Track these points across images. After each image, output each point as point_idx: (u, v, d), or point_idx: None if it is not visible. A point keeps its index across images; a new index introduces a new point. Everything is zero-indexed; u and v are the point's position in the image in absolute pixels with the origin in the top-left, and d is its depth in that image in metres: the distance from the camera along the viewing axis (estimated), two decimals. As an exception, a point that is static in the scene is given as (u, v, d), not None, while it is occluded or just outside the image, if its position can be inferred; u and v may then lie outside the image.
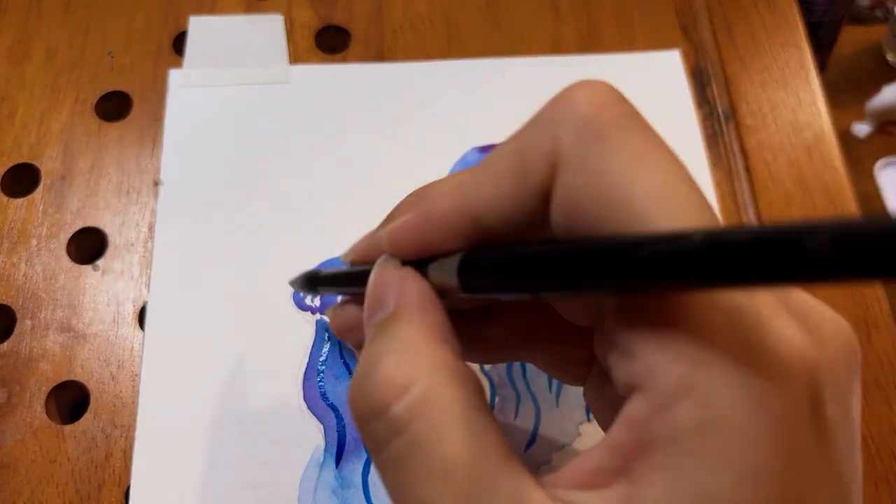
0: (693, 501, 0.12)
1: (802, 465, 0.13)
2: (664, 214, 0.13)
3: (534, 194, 0.15)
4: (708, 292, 0.13)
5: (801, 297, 0.15)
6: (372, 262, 0.19)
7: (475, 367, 0.29)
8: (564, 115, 0.15)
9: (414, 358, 0.15)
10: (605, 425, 0.19)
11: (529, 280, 0.15)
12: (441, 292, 0.17)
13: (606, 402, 0.19)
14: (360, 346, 0.21)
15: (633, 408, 0.14)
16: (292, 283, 0.27)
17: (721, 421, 0.12)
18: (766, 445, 0.12)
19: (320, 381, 0.29)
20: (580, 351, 0.20)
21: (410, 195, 0.18)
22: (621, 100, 0.15)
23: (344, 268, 0.22)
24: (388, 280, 0.17)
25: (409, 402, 0.14)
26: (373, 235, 0.19)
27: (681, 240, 0.12)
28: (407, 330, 0.16)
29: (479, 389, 0.15)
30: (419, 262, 0.18)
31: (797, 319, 0.14)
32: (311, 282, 0.25)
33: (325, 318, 0.30)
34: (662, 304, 0.14)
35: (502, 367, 0.29)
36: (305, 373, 0.29)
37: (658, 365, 0.13)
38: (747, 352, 0.13)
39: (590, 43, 0.37)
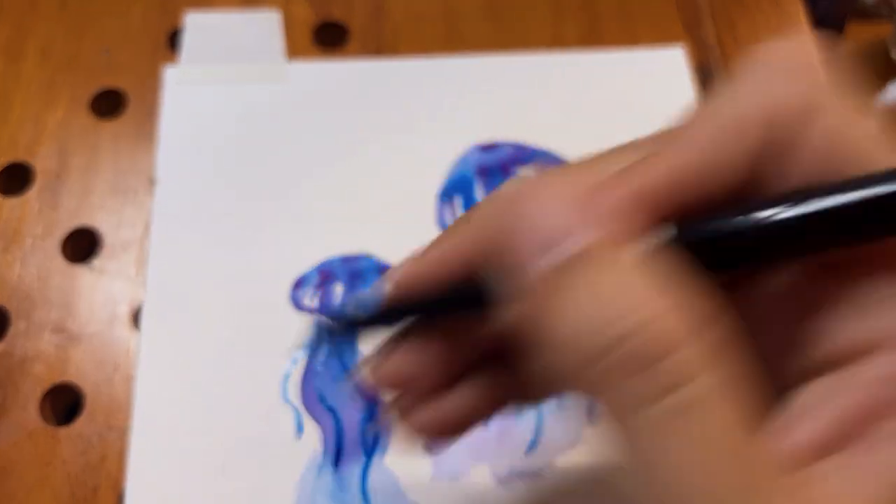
0: None
1: None
2: None
3: (757, 142, 0.14)
4: None
5: None
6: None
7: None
8: (793, 59, 0.14)
9: (690, 298, 0.13)
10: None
11: (769, 249, 0.13)
12: None
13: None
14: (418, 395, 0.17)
15: (873, 368, 0.13)
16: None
17: None
18: None
19: (318, 383, 0.28)
20: None
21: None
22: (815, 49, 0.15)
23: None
24: (553, 209, 0.13)
25: (692, 354, 0.12)
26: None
27: None
28: (642, 269, 0.13)
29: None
30: None
31: None
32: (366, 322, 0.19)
33: (325, 319, 0.29)
34: None
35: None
36: (303, 375, 0.28)
37: None
38: None
39: (592, 39, 0.36)
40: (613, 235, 0.13)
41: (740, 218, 0.14)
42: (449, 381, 0.17)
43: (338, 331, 0.19)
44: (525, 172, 0.15)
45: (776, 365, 0.15)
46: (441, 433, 0.18)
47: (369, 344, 0.18)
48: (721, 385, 0.12)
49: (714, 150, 0.14)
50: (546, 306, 0.13)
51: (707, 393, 0.12)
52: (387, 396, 0.18)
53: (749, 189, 0.14)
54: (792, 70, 0.14)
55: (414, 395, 0.17)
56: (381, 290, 0.17)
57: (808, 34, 0.15)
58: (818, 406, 0.14)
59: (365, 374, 0.18)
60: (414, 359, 0.17)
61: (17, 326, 0.29)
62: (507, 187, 0.15)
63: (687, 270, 0.13)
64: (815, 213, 0.13)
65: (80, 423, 0.28)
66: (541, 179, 0.14)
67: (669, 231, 0.14)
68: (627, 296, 0.12)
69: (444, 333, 0.17)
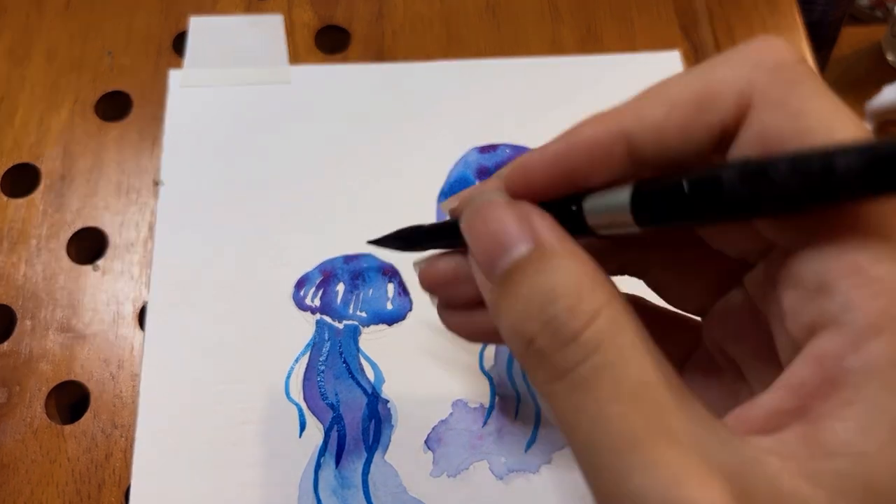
0: (891, 432, 0.13)
1: None
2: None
3: (711, 127, 0.15)
4: None
5: None
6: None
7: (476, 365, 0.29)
8: (760, 57, 0.15)
9: (594, 287, 0.15)
10: (726, 362, 0.19)
11: (724, 207, 0.14)
12: (599, 229, 0.16)
13: (737, 339, 0.18)
14: (450, 303, 0.21)
15: (823, 344, 0.14)
16: (376, 242, 0.25)
17: None
18: None
19: (320, 381, 0.29)
20: (705, 280, 0.19)
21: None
22: (804, 57, 0.16)
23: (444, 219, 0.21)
24: (510, 218, 0.16)
25: (599, 327, 0.14)
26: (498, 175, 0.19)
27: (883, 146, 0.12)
28: (569, 264, 0.15)
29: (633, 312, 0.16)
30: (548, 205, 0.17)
31: None
32: (409, 239, 0.23)
33: (326, 319, 0.30)
34: (857, 243, 0.14)
35: (502, 367, 0.29)
36: (306, 373, 0.29)
37: (856, 300, 0.13)
38: None
39: (590, 43, 0.37)
40: (539, 243, 0.16)
41: (690, 175, 0.15)
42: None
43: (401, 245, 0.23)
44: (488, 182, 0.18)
45: (776, 350, 0.16)
46: (469, 337, 0.21)
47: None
48: (623, 349, 0.14)
49: (667, 113, 0.16)
50: (499, 307, 0.16)
51: (610, 358, 0.14)
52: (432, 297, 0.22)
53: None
54: (746, 61, 0.15)
55: (451, 298, 0.21)
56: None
57: (786, 42, 0.15)
58: (777, 383, 0.14)
59: (417, 268, 0.22)
60: (451, 267, 0.21)
61: (23, 325, 0.30)
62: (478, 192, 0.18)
63: (595, 263, 0.16)
64: (755, 172, 0.14)
65: (86, 421, 0.28)
66: (494, 191, 0.18)
67: (628, 187, 0.16)
68: (549, 293, 0.15)
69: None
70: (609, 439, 0.14)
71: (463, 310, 0.21)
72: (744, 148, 0.15)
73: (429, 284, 0.21)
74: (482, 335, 0.21)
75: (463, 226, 0.17)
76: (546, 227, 0.16)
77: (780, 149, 0.14)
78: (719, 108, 0.15)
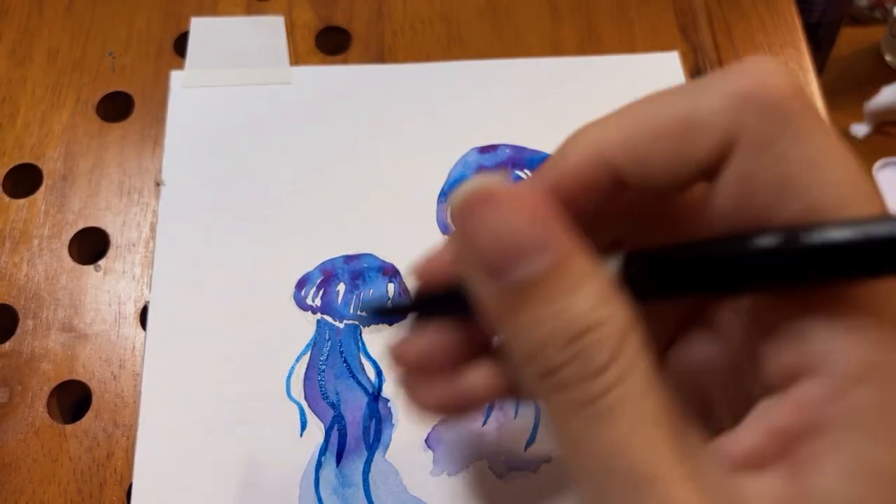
0: (872, 480, 0.13)
1: None
2: (848, 206, 0.14)
3: (694, 163, 0.15)
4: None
5: None
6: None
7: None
8: (748, 92, 0.14)
9: (617, 314, 0.14)
10: (687, 384, 0.18)
11: (714, 281, 0.14)
12: None
13: (704, 367, 0.18)
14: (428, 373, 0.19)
15: (805, 391, 0.14)
16: (366, 312, 0.25)
17: None
18: None
19: (321, 380, 0.29)
20: (663, 325, 0.19)
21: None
22: (801, 87, 0.15)
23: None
24: (524, 218, 0.14)
25: (625, 359, 0.14)
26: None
27: (873, 224, 0.12)
28: (594, 285, 0.14)
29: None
30: None
31: None
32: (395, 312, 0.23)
33: (326, 318, 0.30)
34: (841, 289, 0.14)
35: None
36: (306, 372, 0.29)
37: (838, 349, 0.13)
38: None
39: (589, 44, 0.37)
40: (561, 256, 0.14)
41: (683, 250, 0.15)
42: (455, 365, 0.18)
43: (370, 320, 0.23)
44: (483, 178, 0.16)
45: (745, 382, 0.16)
46: (441, 411, 0.19)
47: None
48: (643, 381, 0.14)
49: (652, 143, 0.15)
50: (510, 322, 0.15)
51: (632, 391, 0.14)
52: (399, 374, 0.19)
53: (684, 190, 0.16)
54: (734, 95, 0.15)
55: (423, 373, 0.19)
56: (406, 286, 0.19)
57: (783, 67, 0.15)
58: (758, 422, 0.14)
59: (387, 352, 0.19)
60: (425, 342, 0.18)
61: (24, 325, 0.30)
62: (475, 190, 0.15)
63: (619, 290, 0.15)
64: (745, 255, 0.14)
65: (87, 421, 0.28)
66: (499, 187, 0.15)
67: (617, 259, 0.15)
68: (577, 321, 0.14)
69: (450, 323, 0.18)
70: (622, 473, 0.13)
71: (443, 376, 0.18)
72: (725, 186, 0.15)
73: (408, 364, 0.19)
74: (468, 404, 0.18)
75: (458, 219, 0.15)
76: (565, 234, 0.14)
77: (757, 194, 0.14)
78: (703, 143, 0.15)
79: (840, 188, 0.14)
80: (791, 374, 0.14)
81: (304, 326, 0.30)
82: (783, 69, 0.15)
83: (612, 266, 0.15)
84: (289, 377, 0.29)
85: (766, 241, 0.14)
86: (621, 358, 0.14)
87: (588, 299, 0.14)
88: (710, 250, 0.14)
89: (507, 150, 0.34)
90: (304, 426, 0.28)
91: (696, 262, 0.14)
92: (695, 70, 0.36)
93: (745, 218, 0.15)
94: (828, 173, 0.14)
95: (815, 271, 0.13)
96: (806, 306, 0.14)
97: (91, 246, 0.32)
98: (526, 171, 0.33)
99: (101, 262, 0.31)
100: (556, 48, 0.37)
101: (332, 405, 0.28)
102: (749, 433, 0.14)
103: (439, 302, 0.18)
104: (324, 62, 0.36)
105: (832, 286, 0.14)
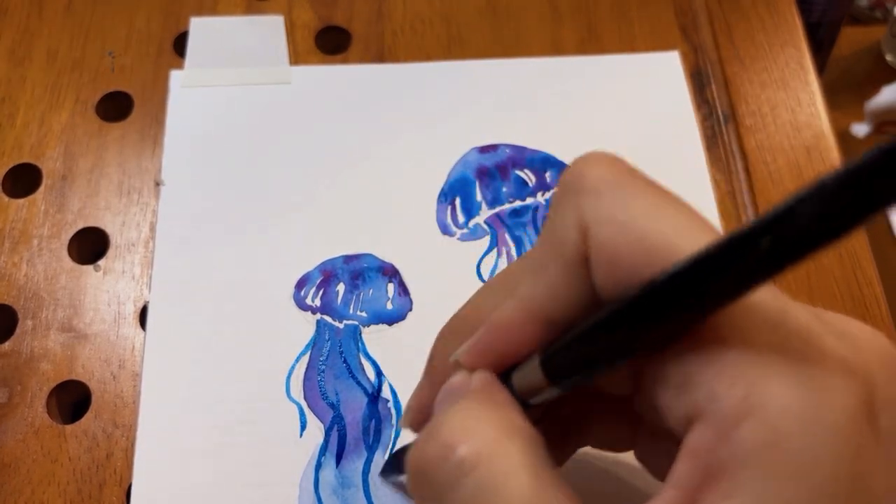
0: None
1: (867, 472, 0.13)
2: (692, 243, 0.14)
3: (578, 266, 0.16)
4: (750, 308, 0.14)
5: (835, 316, 0.16)
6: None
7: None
8: (581, 182, 0.16)
9: (480, 414, 0.16)
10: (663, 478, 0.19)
11: (611, 343, 0.15)
12: (528, 397, 0.18)
13: (659, 455, 0.19)
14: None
15: (696, 438, 0.14)
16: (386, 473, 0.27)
17: (786, 437, 0.13)
18: (833, 455, 0.13)
19: (321, 381, 0.29)
20: (624, 419, 0.20)
21: (449, 326, 0.20)
22: (624, 161, 0.17)
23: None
24: (458, 380, 0.18)
25: (476, 448, 0.15)
26: (430, 377, 0.21)
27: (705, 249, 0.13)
28: (472, 398, 0.17)
29: (543, 446, 0.16)
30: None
31: (836, 336, 0.14)
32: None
33: (326, 319, 0.30)
34: (711, 333, 0.14)
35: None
36: (306, 372, 0.29)
37: (717, 391, 0.14)
38: (801, 368, 0.13)
39: (589, 44, 0.37)
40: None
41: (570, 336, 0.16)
42: None
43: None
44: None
45: (660, 437, 0.17)
46: None
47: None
48: (502, 471, 0.15)
49: (544, 276, 0.17)
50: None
51: (488, 479, 0.15)
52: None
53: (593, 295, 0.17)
54: (571, 191, 0.16)
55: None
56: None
57: (606, 152, 0.17)
58: (668, 480, 0.15)
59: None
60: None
61: (24, 325, 0.30)
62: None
63: (505, 399, 0.17)
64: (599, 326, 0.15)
65: (87, 421, 0.28)
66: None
67: (536, 355, 0.17)
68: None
69: None
70: None
71: None
72: (598, 270, 0.16)
73: (416, 420, 0.22)
74: None
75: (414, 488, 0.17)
76: (479, 376, 0.18)
77: (620, 260, 0.15)
78: (568, 246, 0.16)
79: (681, 231, 0.15)
80: (686, 422, 0.14)
81: (304, 326, 0.30)
82: (601, 153, 0.16)
83: (533, 362, 0.17)
84: (288, 377, 0.29)
85: (625, 297, 0.14)
86: (475, 443, 0.15)
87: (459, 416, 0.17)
88: (591, 325, 0.16)
89: (507, 150, 0.34)
90: (303, 426, 0.28)
91: (581, 340, 0.16)
92: (695, 70, 0.36)
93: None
94: (666, 222, 0.15)
95: (673, 310, 0.14)
96: (685, 350, 0.14)
97: (90, 246, 0.32)
98: (526, 170, 0.33)
99: (101, 262, 0.31)
100: (556, 48, 0.37)
101: (332, 405, 0.28)
102: (663, 494, 0.14)
103: None
104: (323, 62, 0.36)
105: (700, 324, 0.14)
